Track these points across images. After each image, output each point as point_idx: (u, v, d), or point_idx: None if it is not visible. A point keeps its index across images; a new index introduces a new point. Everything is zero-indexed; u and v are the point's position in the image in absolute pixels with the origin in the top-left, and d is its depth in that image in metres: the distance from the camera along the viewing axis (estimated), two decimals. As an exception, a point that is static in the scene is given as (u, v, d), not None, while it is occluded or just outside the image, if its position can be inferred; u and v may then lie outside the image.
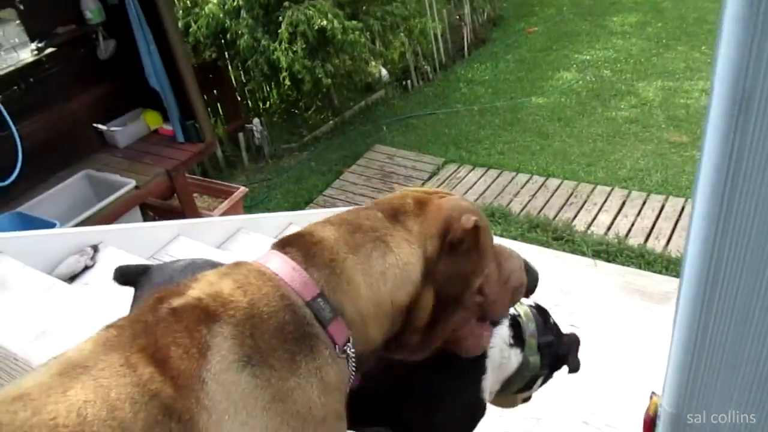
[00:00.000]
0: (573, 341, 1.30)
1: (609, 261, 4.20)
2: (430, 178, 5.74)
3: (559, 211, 4.95)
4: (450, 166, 5.88)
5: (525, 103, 6.90)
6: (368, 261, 0.89)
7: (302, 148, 6.71)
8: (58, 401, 0.68)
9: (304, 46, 5.69)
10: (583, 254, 4.30)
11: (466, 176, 5.65)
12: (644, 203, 4.86)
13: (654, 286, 3.84)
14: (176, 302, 0.81)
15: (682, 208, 4.73)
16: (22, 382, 0.72)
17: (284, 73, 5.77)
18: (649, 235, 4.53)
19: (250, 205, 5.53)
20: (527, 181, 5.41)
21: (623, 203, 4.92)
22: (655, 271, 4.02)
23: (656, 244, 4.40)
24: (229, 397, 0.74)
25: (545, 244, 4.46)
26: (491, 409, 1.22)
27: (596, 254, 4.28)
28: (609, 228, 4.67)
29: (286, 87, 6.67)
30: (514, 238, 4.55)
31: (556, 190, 5.23)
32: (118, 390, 0.70)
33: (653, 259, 4.20)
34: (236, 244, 3.34)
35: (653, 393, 1.59)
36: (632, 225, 4.66)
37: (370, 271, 0.89)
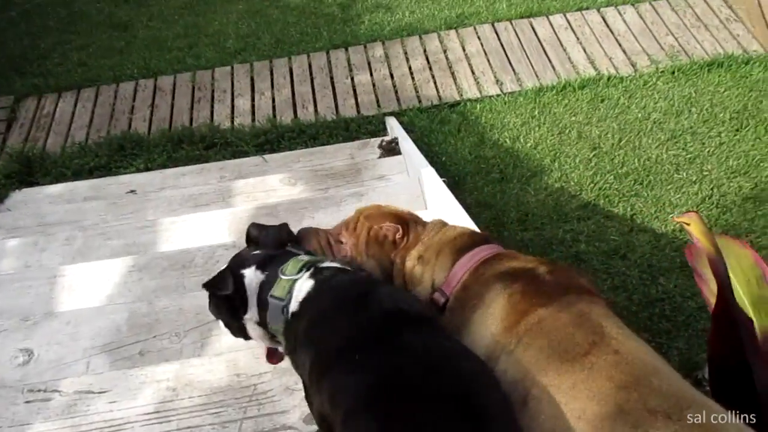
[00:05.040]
0: None
1: (275, 150, 3.88)
2: (10, 126, 4.36)
3: (192, 112, 4.31)
4: (29, 102, 4.53)
5: (74, -9, 5.59)
6: None
7: None
8: None
9: None
10: (247, 154, 3.88)
11: (56, 109, 4.44)
12: (271, 72, 4.53)
13: (327, 157, 3.69)
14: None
15: (290, 69, 4.53)
16: None
17: None
18: (295, 105, 4.28)
19: None
20: (136, 90, 4.52)
21: (252, 79, 4.50)
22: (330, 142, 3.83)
23: (305, 113, 4.20)
24: None
25: (201, 159, 3.88)
26: None
27: (259, 148, 3.90)
28: (253, 113, 4.26)
29: None
30: (164, 166, 3.83)
31: (173, 89, 4.50)
32: None
33: (312, 128, 3.98)
34: None
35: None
36: (273, 100, 4.33)
37: None
